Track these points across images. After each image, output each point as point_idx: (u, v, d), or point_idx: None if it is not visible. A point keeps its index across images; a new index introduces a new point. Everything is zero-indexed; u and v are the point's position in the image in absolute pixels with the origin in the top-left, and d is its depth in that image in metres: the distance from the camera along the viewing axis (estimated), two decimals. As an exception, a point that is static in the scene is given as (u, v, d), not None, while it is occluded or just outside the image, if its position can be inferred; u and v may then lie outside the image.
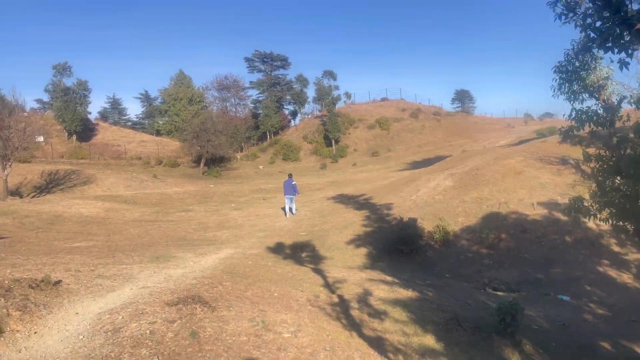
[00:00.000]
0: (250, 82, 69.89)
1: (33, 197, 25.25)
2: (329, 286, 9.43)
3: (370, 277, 10.51)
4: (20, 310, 5.18)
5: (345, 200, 22.30)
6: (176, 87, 62.93)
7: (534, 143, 21.06)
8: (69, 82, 47.24)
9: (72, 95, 45.27)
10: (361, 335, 6.31)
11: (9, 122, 23.86)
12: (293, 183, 19.72)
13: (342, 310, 7.35)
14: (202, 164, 43.43)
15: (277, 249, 14.79)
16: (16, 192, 25.77)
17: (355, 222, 17.42)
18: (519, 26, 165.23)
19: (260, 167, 49.55)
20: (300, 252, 14.98)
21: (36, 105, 67.45)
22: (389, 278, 10.47)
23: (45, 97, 61.67)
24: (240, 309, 6.16)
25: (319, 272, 11.16)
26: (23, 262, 9.52)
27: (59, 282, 7.16)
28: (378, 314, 7.36)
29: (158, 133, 62.97)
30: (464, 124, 60.80)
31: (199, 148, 43.41)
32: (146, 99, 76.59)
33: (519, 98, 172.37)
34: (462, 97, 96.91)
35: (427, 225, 15.04)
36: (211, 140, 42.61)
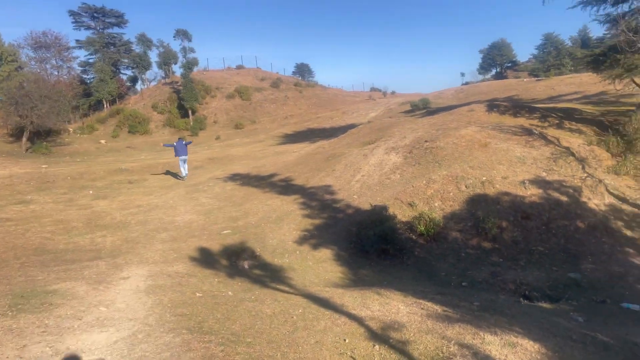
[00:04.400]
0: (77, 40, 58.05)
1: None
2: (387, 341, 5.58)
3: (415, 308, 6.85)
4: None
5: (253, 182, 17.90)
6: (-24, 41, 48.72)
7: (461, 112, 19.26)
8: None
9: None
10: None
11: None
12: (185, 143, 20.39)
13: None
14: (24, 139, 33.67)
15: (206, 260, 10.15)
16: None
17: (290, 212, 13.38)
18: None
19: (102, 141, 41.03)
20: (239, 260, 10.53)
21: None
22: (438, 308, 6.94)
23: None
24: None
25: (323, 303, 7.10)
26: None
27: None
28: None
29: (-49, 98, 48.27)
30: (325, 95, 59.32)
31: (18, 118, 33.54)
32: None
33: (356, 73, 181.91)
34: (302, 71, 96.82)
35: (397, 213, 11.87)
36: (37, 107, 33.17)
